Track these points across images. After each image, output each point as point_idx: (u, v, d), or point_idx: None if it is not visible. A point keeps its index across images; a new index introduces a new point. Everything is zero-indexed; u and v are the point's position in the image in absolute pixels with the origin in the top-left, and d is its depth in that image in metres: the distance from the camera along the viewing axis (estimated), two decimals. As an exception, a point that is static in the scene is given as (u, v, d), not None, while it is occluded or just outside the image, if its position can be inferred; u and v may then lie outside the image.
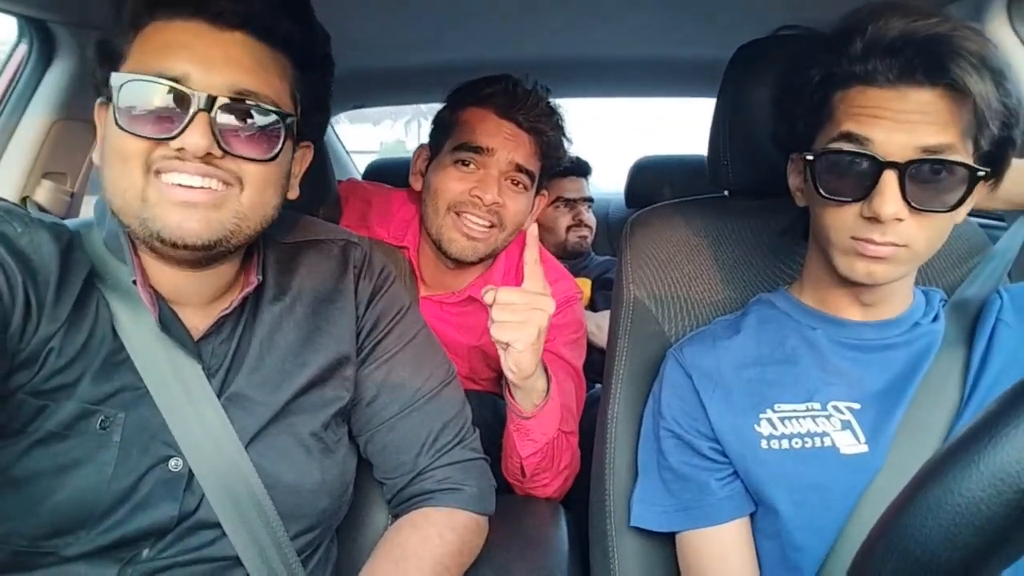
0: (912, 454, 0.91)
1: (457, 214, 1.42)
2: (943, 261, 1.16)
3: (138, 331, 0.87)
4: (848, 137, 0.88)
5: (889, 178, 0.85)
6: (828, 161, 0.90)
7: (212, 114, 0.79)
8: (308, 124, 0.94)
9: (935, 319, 1.01)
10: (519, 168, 1.42)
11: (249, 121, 0.82)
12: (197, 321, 0.92)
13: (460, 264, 1.47)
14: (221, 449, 0.89)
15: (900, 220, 0.86)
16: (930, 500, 0.46)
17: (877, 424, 0.94)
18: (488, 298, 1.10)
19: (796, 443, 0.96)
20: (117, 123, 0.80)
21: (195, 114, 0.79)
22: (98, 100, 0.87)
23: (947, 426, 0.93)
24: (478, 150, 1.41)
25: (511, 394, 1.22)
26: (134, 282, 0.85)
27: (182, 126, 0.79)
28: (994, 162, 0.89)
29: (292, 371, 0.96)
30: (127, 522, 0.85)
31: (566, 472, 1.34)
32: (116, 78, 0.81)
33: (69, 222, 0.92)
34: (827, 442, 0.95)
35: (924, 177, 0.85)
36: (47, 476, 0.81)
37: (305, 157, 0.99)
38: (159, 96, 0.80)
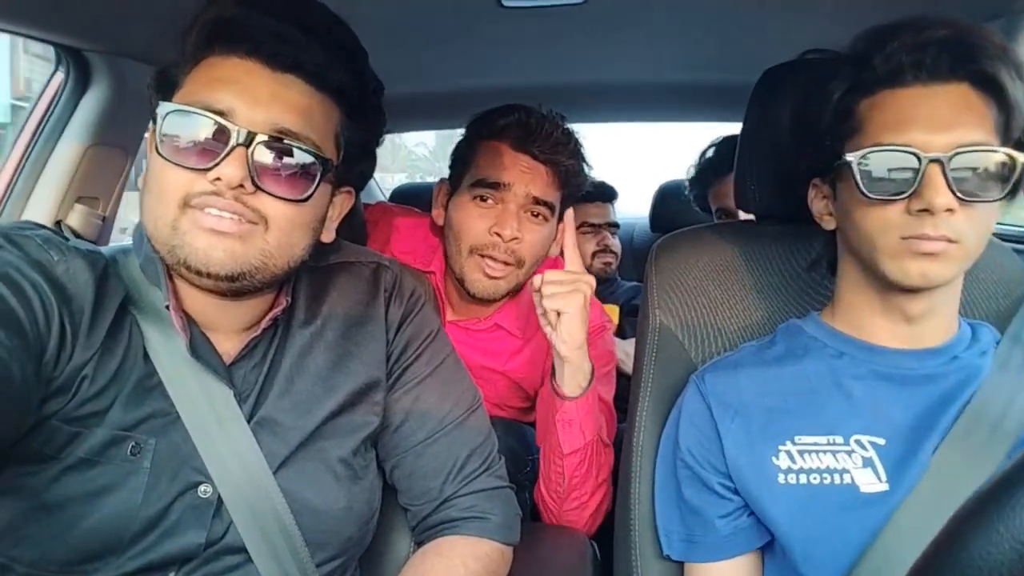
0: (935, 497, 0.87)
1: (479, 256, 1.42)
2: (980, 287, 1.13)
3: (170, 356, 0.88)
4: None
5: (935, 171, 0.84)
6: (869, 161, 0.89)
7: (250, 149, 0.80)
8: (351, 171, 0.95)
9: (983, 354, 0.96)
10: (537, 201, 1.42)
11: (286, 160, 0.83)
12: (229, 346, 0.93)
13: (482, 302, 1.48)
14: (250, 475, 0.89)
15: (951, 212, 0.84)
16: (949, 565, 0.44)
17: (901, 462, 0.90)
18: (536, 281, 1.23)
19: (815, 478, 0.92)
20: (158, 151, 0.82)
21: (233, 148, 0.80)
22: (150, 129, 0.88)
23: (979, 475, 0.88)
24: (495, 186, 1.41)
25: (556, 378, 1.28)
26: (167, 307, 0.86)
27: (219, 159, 0.80)
28: None
29: (322, 395, 0.96)
30: (155, 548, 0.84)
31: (602, 491, 1.32)
32: (162, 107, 0.83)
33: (106, 248, 0.93)
34: (847, 479, 0.91)
35: (968, 169, 0.85)
36: (78, 502, 0.81)
37: (344, 202, 0.99)
38: (201, 128, 0.81)
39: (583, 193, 1.58)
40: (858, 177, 0.89)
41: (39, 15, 1.24)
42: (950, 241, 0.85)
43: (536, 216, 1.44)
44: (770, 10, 1.59)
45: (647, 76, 1.85)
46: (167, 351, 0.88)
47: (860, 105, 0.92)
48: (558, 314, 1.22)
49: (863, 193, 0.89)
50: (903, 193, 0.86)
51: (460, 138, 1.56)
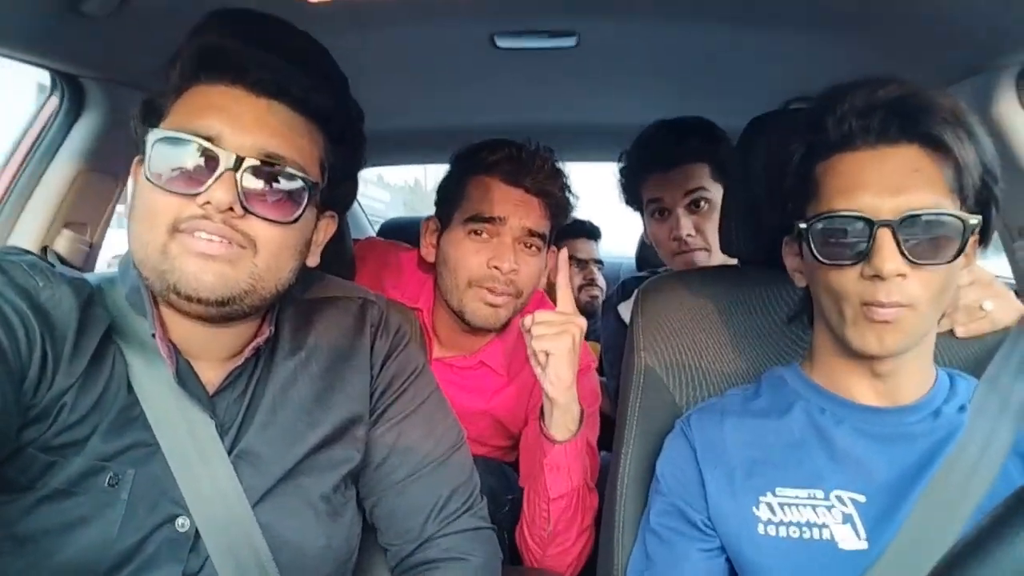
0: (912, 554, 0.86)
1: (479, 288, 1.43)
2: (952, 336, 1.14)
3: (153, 386, 0.87)
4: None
5: (885, 235, 0.85)
6: (821, 227, 0.90)
7: (239, 174, 0.81)
8: (335, 194, 0.96)
9: (961, 408, 0.96)
10: (531, 233, 1.44)
11: (274, 185, 0.84)
12: (212, 376, 0.92)
13: (479, 329, 1.48)
14: (229, 509, 0.88)
15: (903, 276, 0.85)
16: None
17: (881, 520, 0.90)
18: (526, 322, 1.23)
19: (794, 532, 0.92)
20: (147, 178, 0.82)
21: (222, 173, 0.80)
22: (136, 157, 0.88)
23: (957, 532, 0.87)
24: (490, 220, 1.42)
25: (545, 421, 1.27)
26: (153, 335, 0.85)
27: (208, 183, 0.80)
28: (982, 216, 0.89)
29: (305, 429, 0.96)
30: None
31: (585, 536, 1.31)
32: (151, 134, 0.83)
33: (91, 276, 0.93)
34: (826, 535, 0.91)
35: (919, 232, 0.85)
36: (53, 534, 0.80)
37: (328, 226, 1.00)
38: (190, 154, 0.82)
39: (569, 225, 1.60)
40: (812, 243, 0.91)
41: (37, 41, 1.25)
42: (903, 306, 0.86)
43: (530, 247, 1.45)
44: (758, 57, 1.63)
45: (637, 118, 1.88)
46: (150, 381, 0.87)
47: (816, 169, 0.93)
48: (547, 355, 1.22)
49: (817, 259, 0.90)
50: (856, 259, 0.87)
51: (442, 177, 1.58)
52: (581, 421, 1.28)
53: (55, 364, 0.80)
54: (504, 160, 1.44)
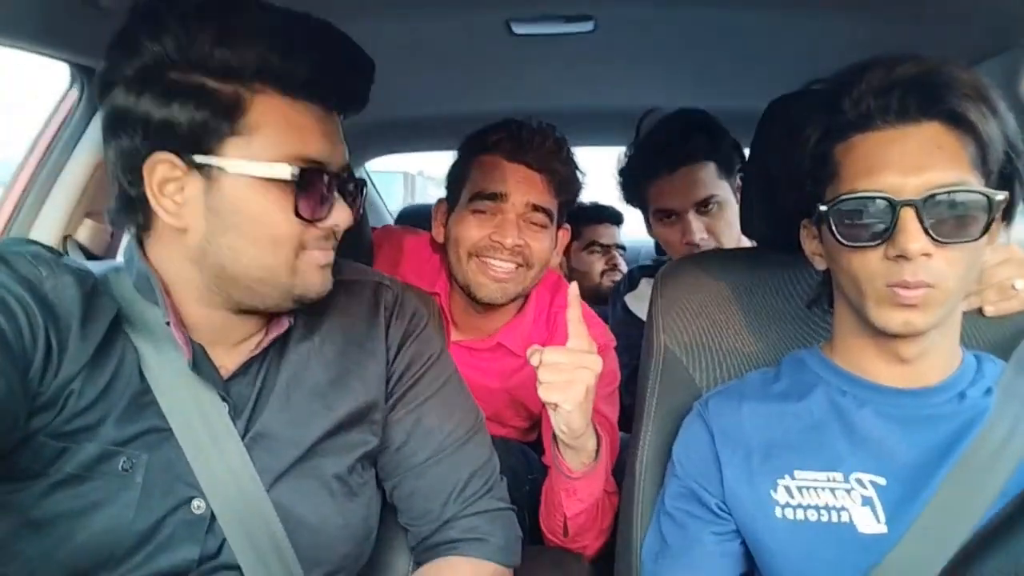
0: (933, 539, 0.85)
1: (480, 259, 1.44)
2: (983, 317, 1.11)
3: (165, 372, 0.87)
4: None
5: (908, 215, 0.83)
6: (843, 209, 0.88)
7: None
8: None
9: (987, 391, 0.93)
10: (536, 208, 1.44)
11: None
12: (226, 360, 0.93)
13: (490, 307, 1.48)
14: (243, 491, 0.89)
15: (928, 256, 0.83)
16: None
17: (901, 503, 0.89)
18: (534, 360, 1.08)
19: (812, 515, 0.91)
20: (299, 213, 0.85)
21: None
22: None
23: (980, 516, 0.85)
24: (493, 196, 1.43)
25: (560, 452, 1.20)
26: (168, 323, 0.86)
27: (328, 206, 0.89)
28: (1007, 192, 0.87)
29: (319, 412, 0.96)
30: (147, 564, 0.84)
31: (607, 532, 1.31)
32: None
33: (96, 266, 0.94)
34: (844, 518, 0.90)
35: (943, 211, 0.83)
36: (68, 518, 0.81)
37: None
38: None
39: (586, 208, 1.58)
40: (833, 225, 0.89)
41: (55, 35, 1.27)
42: (930, 287, 0.84)
43: (536, 224, 1.46)
44: (777, 39, 1.61)
45: (656, 102, 1.86)
46: (161, 367, 0.87)
47: (835, 150, 0.91)
48: (556, 405, 1.09)
49: (839, 241, 0.89)
50: (879, 239, 0.85)
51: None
52: (598, 453, 1.22)
53: (60, 352, 0.81)
54: (506, 138, 1.46)
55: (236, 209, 0.84)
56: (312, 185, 0.86)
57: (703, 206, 1.72)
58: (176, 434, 0.87)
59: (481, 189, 1.44)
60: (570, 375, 1.07)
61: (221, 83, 0.81)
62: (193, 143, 0.82)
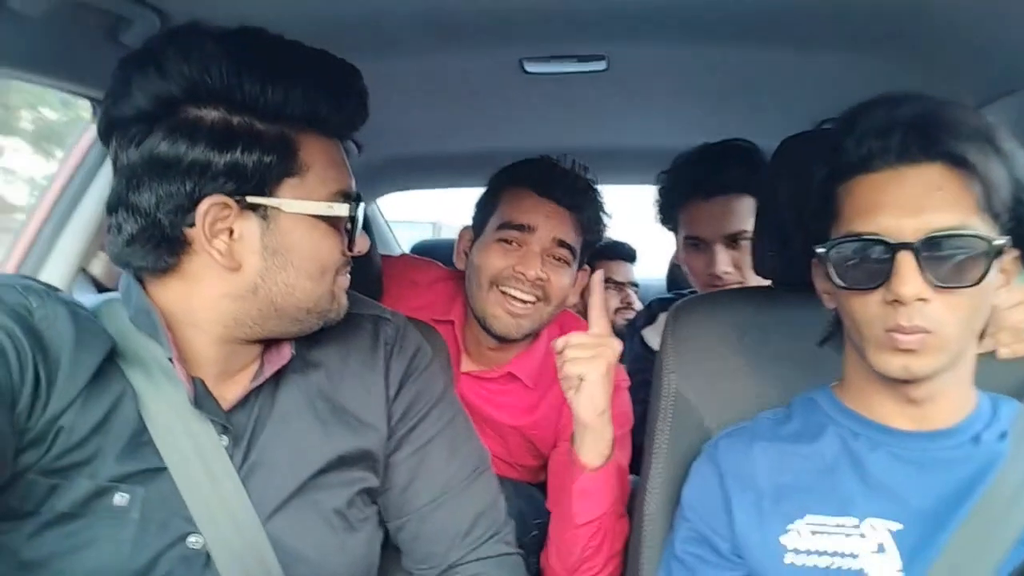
0: None
1: (501, 291, 1.44)
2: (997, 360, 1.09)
3: (160, 409, 0.86)
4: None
5: (905, 259, 0.81)
6: (841, 252, 0.87)
7: None
8: None
9: (1003, 435, 0.91)
10: (560, 243, 1.45)
11: None
12: (226, 392, 0.92)
13: (504, 341, 1.48)
14: (240, 526, 0.87)
15: (925, 301, 0.81)
16: None
17: (917, 549, 0.86)
18: (559, 344, 1.17)
19: (822, 561, 0.88)
20: (349, 247, 0.93)
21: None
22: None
23: (996, 565, 0.83)
24: (520, 228, 1.45)
25: (576, 445, 1.22)
26: (170, 359, 0.85)
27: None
28: (1019, 235, 0.85)
29: (319, 443, 0.95)
30: None
31: (615, 563, 1.28)
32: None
33: (90, 299, 0.92)
34: (855, 565, 0.87)
35: (941, 254, 0.81)
36: (61, 558, 0.79)
37: None
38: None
39: (601, 245, 1.61)
40: (832, 267, 0.88)
41: (79, 71, 1.29)
42: (927, 332, 0.82)
43: (558, 259, 1.47)
44: (790, 78, 1.62)
45: (668, 140, 1.87)
46: (158, 405, 0.86)
47: (838, 191, 0.90)
48: (580, 379, 1.17)
49: (836, 284, 0.88)
50: (877, 282, 0.84)
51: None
52: (613, 447, 1.25)
53: (48, 387, 0.78)
54: (537, 173, 1.49)
55: (293, 246, 0.87)
56: (356, 219, 0.91)
57: (733, 240, 1.68)
58: (172, 471, 0.86)
59: (509, 219, 1.46)
60: (594, 352, 1.16)
61: (269, 125, 0.84)
62: (254, 185, 0.83)
